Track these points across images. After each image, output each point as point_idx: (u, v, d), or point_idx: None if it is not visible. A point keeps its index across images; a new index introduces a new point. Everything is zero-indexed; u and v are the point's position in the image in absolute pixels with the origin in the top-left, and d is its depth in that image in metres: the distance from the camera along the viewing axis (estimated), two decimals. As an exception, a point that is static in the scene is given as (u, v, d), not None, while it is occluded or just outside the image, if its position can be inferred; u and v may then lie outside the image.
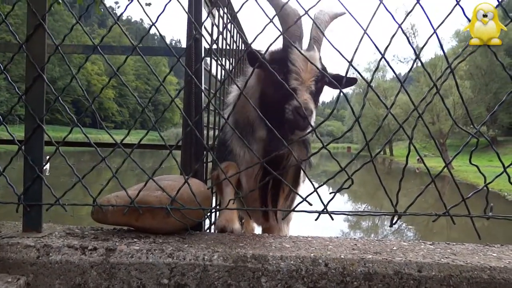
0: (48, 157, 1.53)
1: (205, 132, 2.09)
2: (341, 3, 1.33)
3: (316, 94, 1.77)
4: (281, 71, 1.70)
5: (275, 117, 1.64)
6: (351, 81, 1.80)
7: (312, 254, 1.32)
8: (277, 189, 1.93)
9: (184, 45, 1.99)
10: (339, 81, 1.69)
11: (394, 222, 1.39)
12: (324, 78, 1.78)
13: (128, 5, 1.47)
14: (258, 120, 1.80)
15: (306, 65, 1.70)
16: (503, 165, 1.30)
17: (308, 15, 1.34)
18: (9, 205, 1.53)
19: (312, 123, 1.62)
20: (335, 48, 1.36)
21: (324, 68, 1.80)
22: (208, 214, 2.21)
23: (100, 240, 1.44)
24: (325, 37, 1.72)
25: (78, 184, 1.47)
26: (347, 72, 1.37)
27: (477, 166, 1.40)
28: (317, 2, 1.32)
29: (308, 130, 1.63)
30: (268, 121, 1.49)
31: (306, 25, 1.85)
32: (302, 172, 1.93)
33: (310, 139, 2.03)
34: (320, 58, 1.80)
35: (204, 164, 2.08)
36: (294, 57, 1.72)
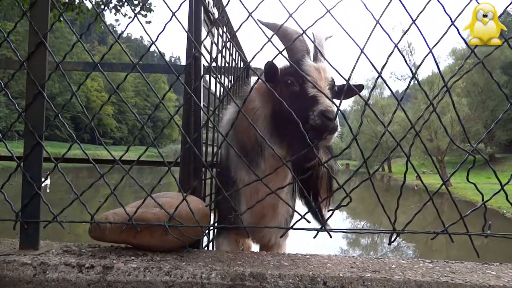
0: (48, 173, 1.53)
1: (204, 148, 2.10)
2: (338, 23, 1.35)
3: None
4: (297, 83, 1.78)
5: (296, 129, 1.65)
6: (357, 89, 1.83)
7: (310, 273, 1.31)
8: (316, 197, 1.92)
9: (183, 62, 2.01)
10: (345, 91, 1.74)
11: (392, 240, 1.39)
12: (333, 88, 1.85)
13: (128, 24, 1.49)
14: (269, 138, 1.80)
15: (320, 74, 1.77)
16: (500, 183, 1.30)
17: (306, 34, 1.36)
18: (6, 222, 1.52)
19: (338, 124, 1.65)
20: (333, 68, 1.38)
21: (332, 79, 1.86)
22: (206, 231, 2.19)
23: (97, 257, 1.43)
24: (324, 57, 1.75)
25: (76, 200, 1.47)
26: (345, 91, 1.39)
27: (474, 184, 1.40)
28: (315, 22, 1.34)
29: (336, 134, 1.67)
30: (287, 135, 1.63)
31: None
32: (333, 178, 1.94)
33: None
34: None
35: (203, 181, 2.08)
36: (307, 68, 1.77)
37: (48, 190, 13.31)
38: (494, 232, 1.37)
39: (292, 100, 1.69)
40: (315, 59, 1.87)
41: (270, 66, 1.74)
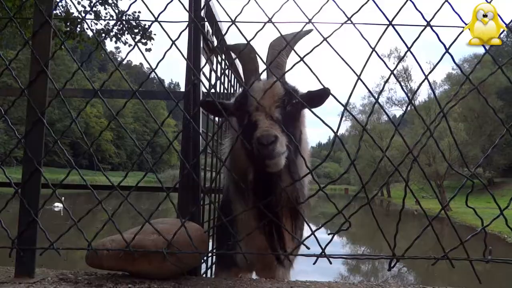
0: (44, 201, 1.52)
1: (202, 174, 2.10)
2: (335, 51, 1.37)
3: (287, 118, 1.70)
4: (245, 108, 1.69)
5: (252, 159, 1.61)
6: (322, 95, 1.73)
7: (310, 300, 1.29)
8: (280, 230, 1.79)
9: (182, 88, 2.03)
10: (311, 99, 1.68)
11: (392, 265, 1.37)
12: (291, 100, 1.74)
13: (129, 52, 1.52)
14: (249, 167, 1.76)
15: (264, 94, 1.63)
16: (500, 207, 1.30)
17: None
18: (1, 249, 1.50)
19: (281, 148, 1.55)
20: (330, 93, 1.39)
21: (289, 90, 1.72)
22: (205, 258, 2.16)
23: (93, 285, 1.40)
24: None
25: (73, 226, 1.46)
26: (341, 119, 1.39)
27: (473, 209, 1.40)
28: (312, 50, 1.36)
29: (279, 158, 1.56)
30: (255, 165, 1.50)
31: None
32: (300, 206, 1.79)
33: (301, 169, 1.78)
34: (283, 82, 1.75)
35: (201, 207, 2.07)
36: (251, 90, 1.64)
37: (62, 214, 13.20)
38: (496, 257, 1.36)
39: (245, 128, 1.64)
40: (267, 73, 1.80)
41: (203, 103, 1.73)
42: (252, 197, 1.65)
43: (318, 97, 1.75)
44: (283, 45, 1.69)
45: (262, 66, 1.82)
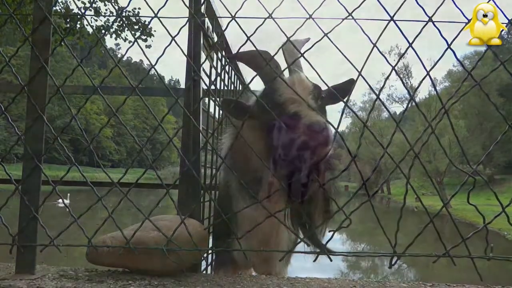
0: (45, 198, 1.52)
1: (202, 171, 2.09)
2: (337, 48, 1.37)
3: (320, 112, 1.66)
4: (275, 106, 1.64)
5: (293, 151, 1.56)
6: (346, 88, 1.72)
7: (311, 297, 1.29)
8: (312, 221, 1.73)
9: (183, 85, 2.03)
10: (334, 94, 1.61)
11: (393, 263, 1.36)
12: (320, 95, 1.73)
13: (128, 48, 1.51)
14: (268, 165, 1.71)
15: (295, 87, 1.58)
16: (502, 205, 1.29)
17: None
18: (1, 245, 1.50)
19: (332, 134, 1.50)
20: (332, 90, 1.39)
21: (315, 85, 1.73)
22: (205, 255, 2.17)
23: (94, 282, 1.40)
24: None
25: (73, 223, 1.46)
26: (342, 115, 1.38)
27: (475, 206, 1.39)
28: (312, 46, 1.36)
29: (331, 145, 1.51)
30: (288, 161, 1.52)
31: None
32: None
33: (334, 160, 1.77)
34: (307, 78, 1.77)
35: (201, 204, 2.07)
36: (280, 86, 1.64)
37: (67, 210, 13.22)
38: (496, 254, 1.36)
39: (280, 124, 1.59)
40: (290, 71, 1.78)
41: (225, 102, 1.71)
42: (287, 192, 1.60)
43: (341, 90, 1.66)
44: (297, 44, 1.65)
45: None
